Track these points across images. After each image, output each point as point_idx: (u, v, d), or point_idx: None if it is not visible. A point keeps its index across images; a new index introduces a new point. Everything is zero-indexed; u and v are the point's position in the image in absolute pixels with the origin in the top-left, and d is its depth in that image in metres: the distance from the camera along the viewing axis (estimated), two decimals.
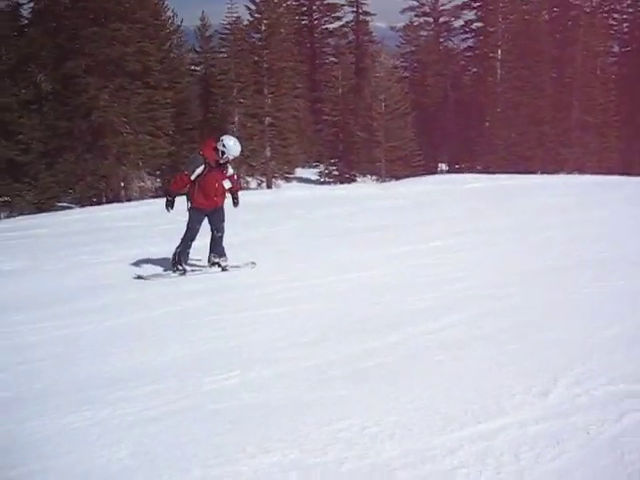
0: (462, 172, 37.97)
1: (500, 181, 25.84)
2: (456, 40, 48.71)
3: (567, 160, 41.69)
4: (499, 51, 39.86)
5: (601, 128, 42.21)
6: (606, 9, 49.65)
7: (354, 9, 53.00)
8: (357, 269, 8.96)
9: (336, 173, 39.83)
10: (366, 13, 53.08)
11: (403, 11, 51.84)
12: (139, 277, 8.57)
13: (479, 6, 43.31)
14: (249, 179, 35.25)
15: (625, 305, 6.67)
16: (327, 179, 39.17)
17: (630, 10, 49.32)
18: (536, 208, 16.51)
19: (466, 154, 40.50)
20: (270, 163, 36.44)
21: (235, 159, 8.90)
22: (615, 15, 50.46)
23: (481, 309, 6.63)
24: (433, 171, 40.87)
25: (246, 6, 35.15)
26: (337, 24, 51.89)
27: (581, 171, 41.70)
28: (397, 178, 33.30)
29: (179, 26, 37.68)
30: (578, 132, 41.56)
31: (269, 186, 36.49)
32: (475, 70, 42.53)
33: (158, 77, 29.30)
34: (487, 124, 39.64)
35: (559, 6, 45.43)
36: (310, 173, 41.89)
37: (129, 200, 26.52)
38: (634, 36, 48.60)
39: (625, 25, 49.90)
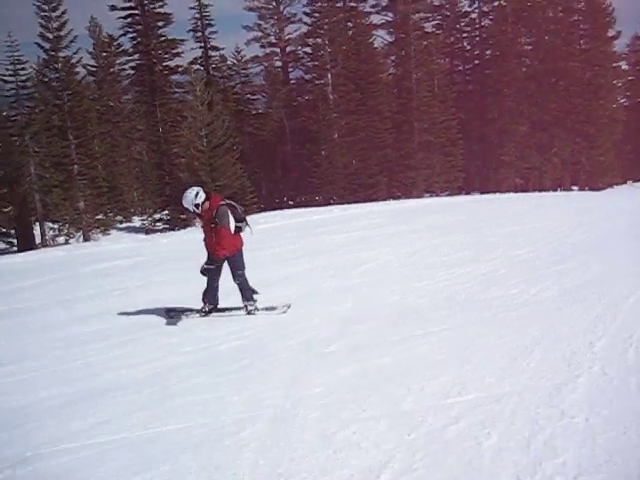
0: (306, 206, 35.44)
1: (307, 216, 23.20)
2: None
3: (415, 183, 39.77)
4: (329, 75, 37.64)
5: (445, 147, 40.58)
6: (445, 27, 49.00)
7: (202, 44, 50.43)
8: None
9: (167, 219, 36.47)
10: (214, 48, 50.45)
11: (248, 42, 49.94)
12: (169, 311, 8.65)
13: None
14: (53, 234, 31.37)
15: None
16: (153, 227, 35.72)
17: (468, 28, 48.80)
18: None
19: (306, 186, 37.88)
20: (85, 215, 32.65)
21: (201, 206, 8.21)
22: (457, 34, 49.86)
23: None
24: (279, 207, 38.08)
25: (37, 43, 31.41)
26: (182, 61, 49.14)
27: (431, 193, 40.10)
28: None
29: None
30: (422, 153, 39.72)
31: (86, 239, 32.70)
32: (308, 98, 40.16)
33: None
34: (323, 152, 37.14)
35: (398, 27, 43.99)
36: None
37: None
38: (473, 53, 48.00)
39: (466, 42, 49.33)
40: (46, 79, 31.87)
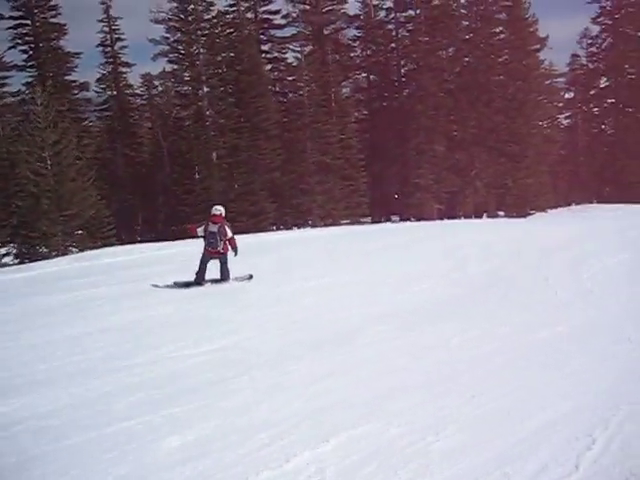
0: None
1: (116, 257, 18.73)
2: None
3: (310, 210, 35.08)
4: (204, 87, 33.05)
5: (345, 170, 35.98)
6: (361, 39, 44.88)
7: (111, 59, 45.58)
8: None
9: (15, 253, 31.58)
10: (125, 64, 45.60)
11: (155, 57, 45.34)
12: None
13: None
14: None
15: None
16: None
17: (384, 40, 44.50)
18: None
19: (179, 215, 32.90)
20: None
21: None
22: (373, 46, 45.52)
23: None
24: (154, 239, 33.21)
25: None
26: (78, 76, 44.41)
27: (327, 221, 35.61)
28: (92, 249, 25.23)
29: None
30: (318, 177, 35.01)
31: None
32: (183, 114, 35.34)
33: None
34: (197, 176, 32.40)
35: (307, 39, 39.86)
36: None
37: None
38: (389, 67, 43.82)
39: (381, 55, 44.96)
40: None
